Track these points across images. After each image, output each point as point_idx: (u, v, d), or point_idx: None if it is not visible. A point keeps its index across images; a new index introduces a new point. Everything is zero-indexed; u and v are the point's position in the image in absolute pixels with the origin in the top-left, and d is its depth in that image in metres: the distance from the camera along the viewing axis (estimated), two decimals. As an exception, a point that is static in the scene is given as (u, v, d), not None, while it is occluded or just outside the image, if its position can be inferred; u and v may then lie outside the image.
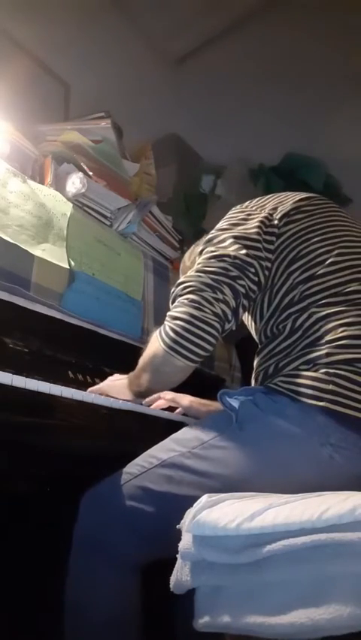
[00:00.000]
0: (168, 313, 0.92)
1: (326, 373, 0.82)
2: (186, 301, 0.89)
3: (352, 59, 2.05)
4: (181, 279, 0.94)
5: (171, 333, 0.88)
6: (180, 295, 0.91)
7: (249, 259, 0.92)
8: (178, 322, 0.88)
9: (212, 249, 0.95)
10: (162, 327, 0.92)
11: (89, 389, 1.06)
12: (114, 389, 1.05)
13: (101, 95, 1.85)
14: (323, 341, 0.85)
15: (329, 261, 0.92)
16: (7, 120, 1.42)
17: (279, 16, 1.94)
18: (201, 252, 0.98)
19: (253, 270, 0.93)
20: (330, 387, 0.80)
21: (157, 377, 0.96)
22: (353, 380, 0.81)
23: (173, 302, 0.94)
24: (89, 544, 0.86)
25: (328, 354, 0.83)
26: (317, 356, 0.84)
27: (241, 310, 0.93)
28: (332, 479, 0.75)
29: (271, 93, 2.20)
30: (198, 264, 0.94)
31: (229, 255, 0.92)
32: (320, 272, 0.92)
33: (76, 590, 0.85)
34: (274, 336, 0.94)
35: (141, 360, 0.97)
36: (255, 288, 0.94)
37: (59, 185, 1.41)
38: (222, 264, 0.91)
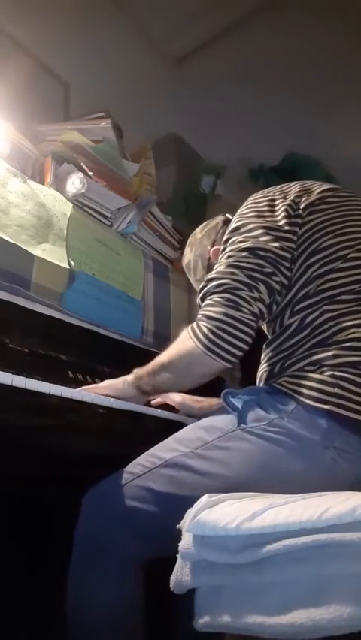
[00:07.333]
0: (202, 312, 0.89)
1: (331, 376, 0.80)
2: (222, 300, 0.87)
3: (352, 59, 2.05)
4: (212, 275, 0.91)
5: (210, 335, 0.86)
6: (214, 293, 0.89)
7: (283, 252, 0.90)
8: (216, 323, 0.86)
9: (241, 238, 0.92)
10: (195, 327, 0.89)
11: (84, 387, 1.03)
12: (113, 387, 1.03)
13: (101, 95, 1.85)
14: (331, 341, 0.84)
15: (350, 256, 0.90)
16: (7, 120, 1.42)
17: (279, 16, 1.93)
18: (227, 241, 0.94)
19: (286, 264, 0.90)
20: (335, 390, 0.79)
21: (181, 377, 0.95)
22: (358, 383, 0.79)
23: (203, 298, 0.91)
24: (91, 543, 0.86)
25: (335, 356, 0.82)
26: (323, 357, 0.83)
27: (274, 307, 0.91)
28: (334, 482, 0.74)
29: (271, 93, 2.20)
30: (230, 257, 0.91)
31: (262, 249, 0.89)
32: (338, 267, 0.89)
33: (78, 588, 0.85)
34: (283, 331, 0.92)
35: (163, 359, 0.95)
36: (286, 282, 0.91)
37: (59, 185, 1.41)
38: (256, 260, 0.88)
